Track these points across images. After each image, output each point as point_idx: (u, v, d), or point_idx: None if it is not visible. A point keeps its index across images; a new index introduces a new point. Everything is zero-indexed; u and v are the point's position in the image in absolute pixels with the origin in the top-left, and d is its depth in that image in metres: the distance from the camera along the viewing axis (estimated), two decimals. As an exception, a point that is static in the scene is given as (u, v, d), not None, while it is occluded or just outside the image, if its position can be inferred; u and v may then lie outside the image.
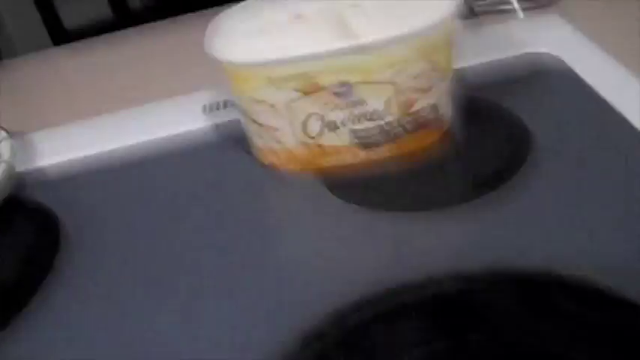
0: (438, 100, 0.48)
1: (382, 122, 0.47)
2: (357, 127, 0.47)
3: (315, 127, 0.47)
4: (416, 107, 0.48)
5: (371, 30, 0.45)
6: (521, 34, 0.62)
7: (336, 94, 0.46)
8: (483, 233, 0.42)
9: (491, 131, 0.51)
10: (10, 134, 0.58)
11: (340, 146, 0.48)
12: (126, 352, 0.39)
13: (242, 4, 0.51)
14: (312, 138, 0.48)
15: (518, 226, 0.42)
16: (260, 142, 0.50)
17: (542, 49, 0.59)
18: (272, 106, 0.47)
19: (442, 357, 0.36)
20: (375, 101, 0.46)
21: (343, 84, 0.45)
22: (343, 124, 0.47)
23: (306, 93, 0.46)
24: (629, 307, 0.36)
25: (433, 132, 0.50)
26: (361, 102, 0.46)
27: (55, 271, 0.45)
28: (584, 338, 0.35)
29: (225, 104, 0.59)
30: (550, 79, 0.55)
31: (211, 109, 0.59)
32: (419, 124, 0.49)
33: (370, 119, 0.47)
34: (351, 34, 0.45)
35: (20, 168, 0.56)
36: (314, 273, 0.42)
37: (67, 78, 0.77)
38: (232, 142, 0.54)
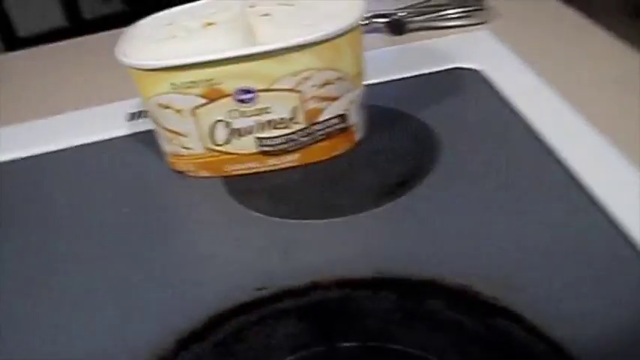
0: (346, 110, 0.49)
1: (289, 131, 0.48)
2: (263, 135, 0.48)
3: (221, 134, 0.48)
4: (323, 117, 0.48)
5: (276, 38, 0.45)
6: (449, 50, 0.62)
7: (241, 101, 0.46)
8: (375, 241, 0.43)
9: (401, 142, 0.51)
10: None
11: (246, 154, 0.48)
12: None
13: (159, 13, 0.52)
14: (219, 145, 0.48)
15: (411, 234, 0.42)
16: (169, 148, 0.50)
17: (468, 65, 0.59)
18: (178, 111, 0.47)
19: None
20: (281, 109, 0.47)
21: (247, 91, 0.45)
22: (249, 131, 0.47)
23: (211, 99, 0.46)
24: (508, 316, 0.36)
25: (342, 142, 0.50)
26: (267, 110, 0.46)
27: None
28: (459, 346, 0.35)
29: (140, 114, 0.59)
30: (470, 94, 0.56)
31: (135, 117, 0.59)
32: (327, 134, 0.49)
33: (276, 127, 0.47)
34: (256, 42, 0.46)
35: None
36: (201, 275, 0.42)
37: (12, 83, 0.77)
38: (148, 150, 0.54)
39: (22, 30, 1.16)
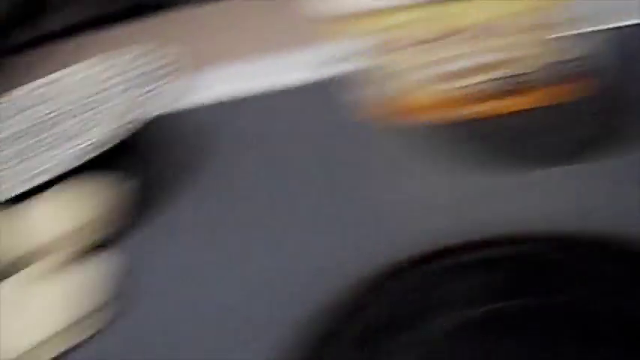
0: (586, 52, 0.44)
1: (519, 71, 0.45)
2: (492, 75, 0.45)
3: (447, 73, 0.46)
4: (559, 57, 0.44)
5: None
6: None
7: (471, 37, 0.44)
8: (574, 198, 0.40)
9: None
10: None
11: (473, 94, 0.46)
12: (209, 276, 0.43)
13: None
14: (444, 85, 0.46)
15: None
16: (372, 93, 0.49)
17: None
18: (401, 48, 0.46)
19: (497, 318, 0.34)
20: (514, 48, 0.44)
21: (479, 28, 0.43)
22: (477, 71, 0.45)
23: (441, 35, 0.44)
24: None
25: (577, 85, 0.46)
26: (499, 48, 0.44)
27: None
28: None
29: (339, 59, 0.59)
30: None
31: (323, 63, 0.60)
32: (562, 76, 0.45)
33: (506, 68, 0.45)
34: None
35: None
36: (388, 223, 0.42)
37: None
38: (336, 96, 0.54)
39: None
